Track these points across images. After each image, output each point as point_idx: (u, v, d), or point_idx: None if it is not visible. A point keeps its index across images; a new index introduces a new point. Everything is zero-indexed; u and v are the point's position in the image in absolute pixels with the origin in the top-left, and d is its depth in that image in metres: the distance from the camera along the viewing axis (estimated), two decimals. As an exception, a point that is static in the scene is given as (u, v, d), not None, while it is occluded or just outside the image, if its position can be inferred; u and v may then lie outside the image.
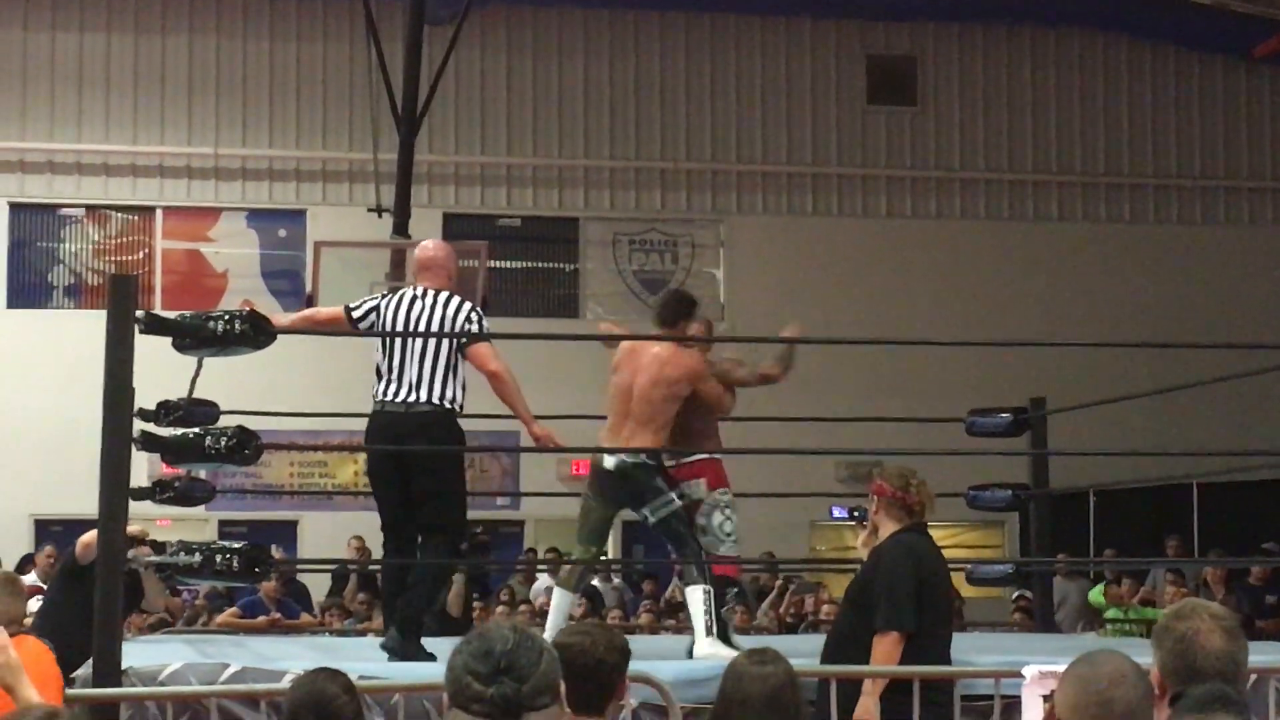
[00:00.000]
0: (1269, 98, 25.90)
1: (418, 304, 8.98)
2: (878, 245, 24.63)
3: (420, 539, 9.11)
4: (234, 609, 16.85)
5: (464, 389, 8.94)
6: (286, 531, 22.11)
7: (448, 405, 8.83)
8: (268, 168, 23.98)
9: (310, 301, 16.92)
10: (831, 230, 24.70)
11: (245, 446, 8.21)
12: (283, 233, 23.84)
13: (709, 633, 9.17)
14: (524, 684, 3.46)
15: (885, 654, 7.52)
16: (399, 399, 8.82)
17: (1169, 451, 16.40)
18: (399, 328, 8.92)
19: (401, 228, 18.16)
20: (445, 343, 8.83)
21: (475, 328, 8.92)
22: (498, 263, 22.70)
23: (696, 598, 9.33)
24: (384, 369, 8.93)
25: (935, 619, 7.70)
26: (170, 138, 23.77)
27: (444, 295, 8.99)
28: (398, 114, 18.29)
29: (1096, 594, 18.57)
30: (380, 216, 18.70)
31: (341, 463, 22.47)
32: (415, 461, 8.94)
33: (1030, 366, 19.59)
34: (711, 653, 8.94)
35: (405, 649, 8.67)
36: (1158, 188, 25.67)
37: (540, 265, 24.65)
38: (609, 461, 9.66)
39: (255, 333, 8.26)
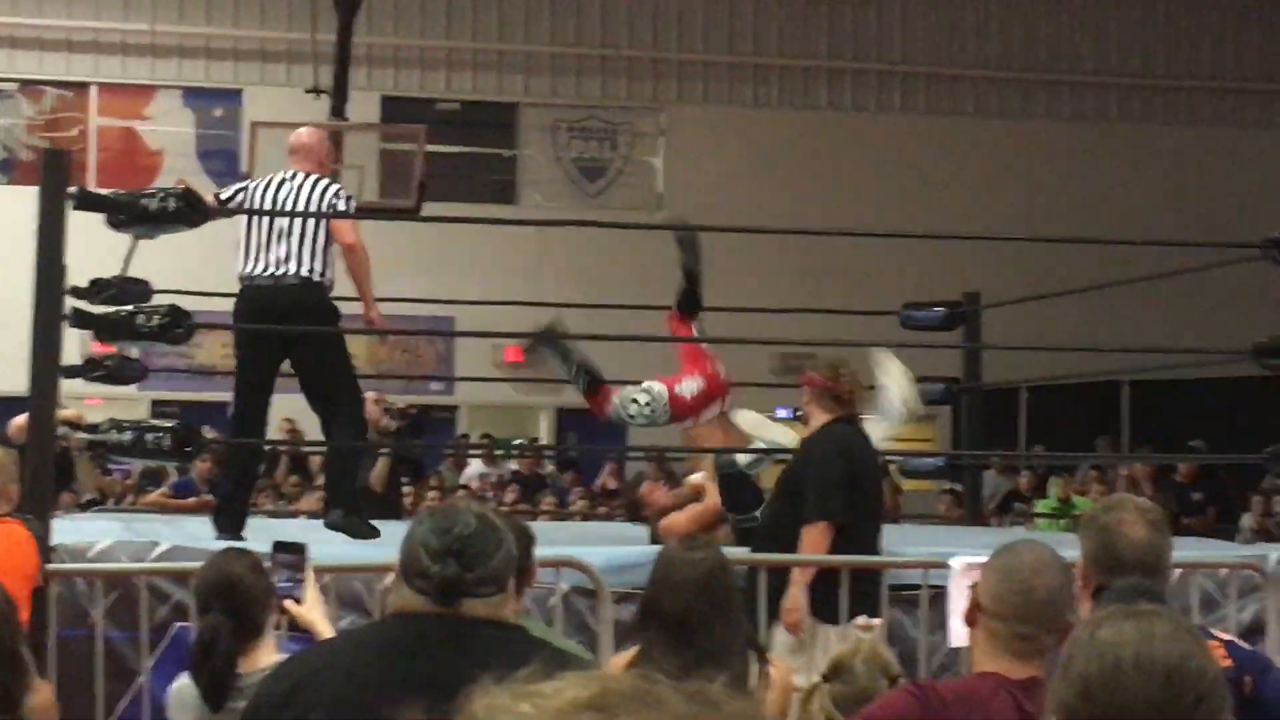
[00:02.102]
0: (1210, -3, 25.96)
1: (286, 185, 9.03)
2: (817, 137, 24.59)
3: (325, 418, 9.22)
4: (164, 489, 16.82)
5: (332, 267, 8.96)
6: (218, 412, 22.02)
7: (316, 279, 8.84)
8: (204, 46, 23.74)
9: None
10: (771, 121, 24.65)
11: (177, 325, 8.20)
12: (219, 112, 23.64)
13: None
14: (470, 570, 3.46)
15: (813, 543, 7.58)
16: (266, 273, 8.83)
17: (1100, 348, 16.48)
18: (267, 207, 8.95)
19: (339, 109, 17.99)
20: (312, 221, 8.85)
21: (342, 204, 8.98)
22: (435, 147, 22.55)
23: None
24: (248, 246, 8.94)
25: (864, 510, 7.76)
26: (105, 13, 23.49)
27: (312, 178, 9.05)
28: (337, -7, 18.12)
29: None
30: (318, 98, 18.57)
31: (275, 345, 22.36)
32: (295, 340, 8.95)
33: (966, 261, 19.59)
34: None
35: (351, 524, 8.79)
36: (1099, 85, 25.70)
37: (479, 151, 24.50)
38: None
39: (189, 211, 8.22)
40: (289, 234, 8.84)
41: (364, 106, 20.82)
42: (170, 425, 8.35)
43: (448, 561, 3.46)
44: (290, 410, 20.07)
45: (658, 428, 10.08)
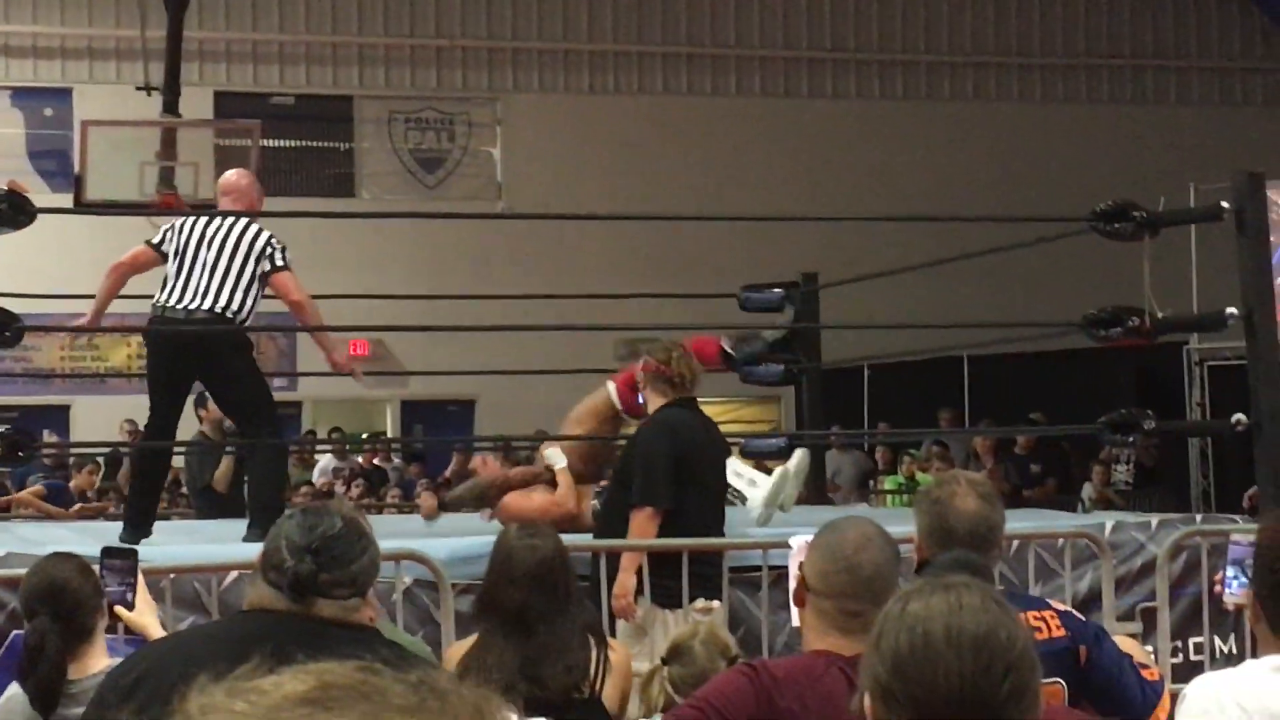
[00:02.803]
0: (1038, -26, 26.28)
1: (216, 222, 8.92)
2: (654, 122, 24.65)
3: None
4: (37, 487, 16.63)
5: (250, 308, 8.89)
6: (58, 416, 21.80)
7: (229, 315, 8.75)
8: (32, 45, 23.40)
9: (79, 182, 16.58)
10: (608, 108, 24.68)
11: (5, 329, 8.09)
12: (49, 112, 23.30)
13: None
14: (326, 571, 3.46)
15: (639, 529, 7.58)
16: (180, 305, 8.75)
17: (933, 324, 16.65)
18: (194, 242, 8.83)
19: (171, 106, 17.82)
20: (239, 260, 8.76)
21: (278, 254, 8.84)
22: (271, 142, 22.36)
23: None
24: (170, 277, 8.88)
25: (697, 492, 7.75)
26: (-70, 14, 23.12)
27: (244, 220, 8.92)
28: (166, -12, 17.92)
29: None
30: (149, 95, 18.33)
31: (114, 346, 22.14)
32: (201, 370, 8.96)
33: (804, 243, 19.74)
34: None
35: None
36: (930, 64, 25.96)
37: (314, 144, 24.33)
38: None
39: (14, 212, 8.12)
40: (212, 269, 8.76)
41: (197, 102, 20.60)
42: (1, 430, 8.24)
43: (305, 559, 3.47)
44: (131, 411, 19.93)
45: None
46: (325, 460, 20.41)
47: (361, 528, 3.59)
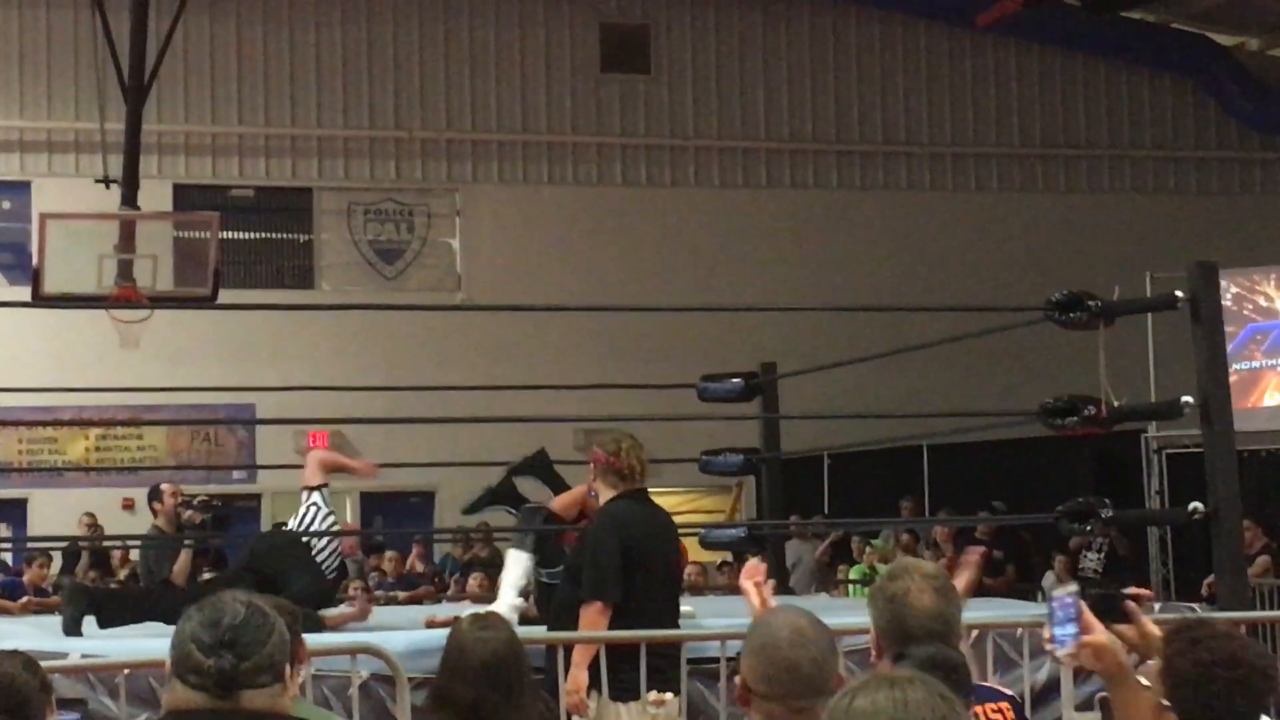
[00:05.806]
0: (991, 65, 26.42)
1: None
2: (613, 214, 24.71)
3: None
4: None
5: None
6: (16, 510, 21.67)
7: None
8: (-10, 138, 23.42)
9: (37, 275, 16.55)
10: (567, 199, 24.73)
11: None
12: (7, 205, 23.27)
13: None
14: (245, 660, 3.41)
15: (590, 624, 7.51)
16: None
17: (892, 414, 16.68)
18: None
19: (130, 199, 17.80)
20: None
21: None
22: (230, 234, 22.31)
23: None
24: None
25: (648, 585, 7.71)
26: (-111, 108, 23.11)
27: None
28: (124, 82, 17.92)
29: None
30: (108, 187, 18.32)
31: (72, 439, 22.04)
32: None
33: (762, 333, 19.80)
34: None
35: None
36: (887, 154, 26.08)
37: (274, 236, 24.32)
38: None
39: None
40: None
41: (156, 195, 20.60)
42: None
43: (222, 653, 3.41)
44: (90, 504, 19.85)
45: None
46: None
47: (262, 609, 3.54)
